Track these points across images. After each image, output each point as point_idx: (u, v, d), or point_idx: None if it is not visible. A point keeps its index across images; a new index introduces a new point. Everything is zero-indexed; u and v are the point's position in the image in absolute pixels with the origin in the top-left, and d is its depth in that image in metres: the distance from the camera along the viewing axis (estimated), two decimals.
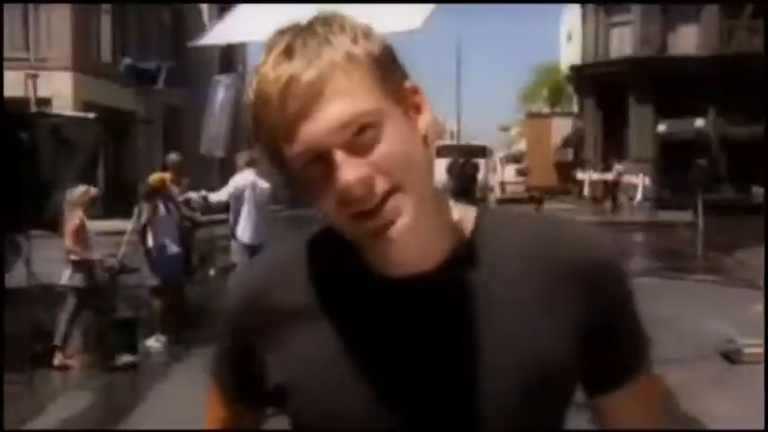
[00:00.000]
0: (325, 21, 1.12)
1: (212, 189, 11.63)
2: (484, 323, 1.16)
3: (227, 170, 11.38)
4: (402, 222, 1.09)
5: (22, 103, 20.17)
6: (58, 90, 26.95)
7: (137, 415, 7.27)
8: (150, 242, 9.80)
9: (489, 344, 1.15)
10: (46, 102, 20.92)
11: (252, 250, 10.31)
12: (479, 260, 1.19)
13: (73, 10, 29.54)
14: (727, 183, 34.11)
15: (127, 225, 13.96)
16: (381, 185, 1.08)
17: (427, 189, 1.14)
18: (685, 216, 28.20)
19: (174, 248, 9.82)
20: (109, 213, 21.57)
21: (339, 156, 1.06)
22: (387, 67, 1.12)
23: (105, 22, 33.18)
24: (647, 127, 34.93)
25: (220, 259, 12.53)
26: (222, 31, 11.15)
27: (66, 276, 8.95)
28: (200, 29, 29.76)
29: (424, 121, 1.15)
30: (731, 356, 8.53)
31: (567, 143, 46.65)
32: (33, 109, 9.57)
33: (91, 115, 10.25)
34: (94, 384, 8.31)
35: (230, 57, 37.40)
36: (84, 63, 29.80)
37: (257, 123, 1.11)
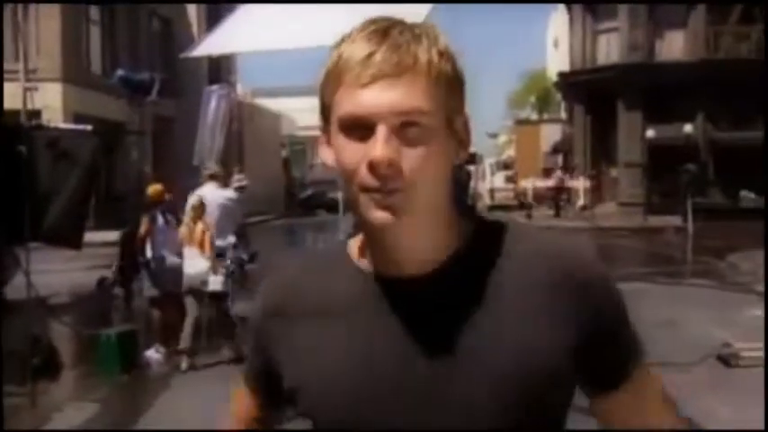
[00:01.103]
0: (425, 27, 1.24)
1: None
2: (479, 322, 1.24)
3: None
4: (407, 220, 1.19)
5: (13, 115, 20.10)
6: (48, 102, 26.88)
7: (139, 426, 7.29)
8: (149, 253, 9.84)
9: (484, 341, 1.23)
10: (36, 113, 20.81)
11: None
12: (476, 266, 1.28)
13: (62, 21, 29.50)
14: (716, 187, 34.26)
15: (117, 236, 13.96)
16: (403, 177, 1.17)
17: (438, 206, 1.25)
18: (675, 221, 28.36)
19: (172, 259, 9.84)
20: (100, 225, 21.53)
21: (382, 131, 1.17)
22: (453, 91, 1.24)
23: (94, 34, 33.12)
24: (636, 132, 35.06)
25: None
26: (213, 43, 11.19)
27: (215, 282, 9.33)
28: (190, 40, 29.80)
29: (462, 154, 1.29)
30: (727, 360, 8.60)
31: (556, 149, 46.80)
32: (25, 121, 9.56)
33: (88, 128, 10.23)
34: (96, 396, 8.32)
35: (220, 67, 37.41)
36: (73, 74, 29.73)
37: (327, 78, 1.24)
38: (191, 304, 9.28)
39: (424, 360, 1.23)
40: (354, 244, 1.37)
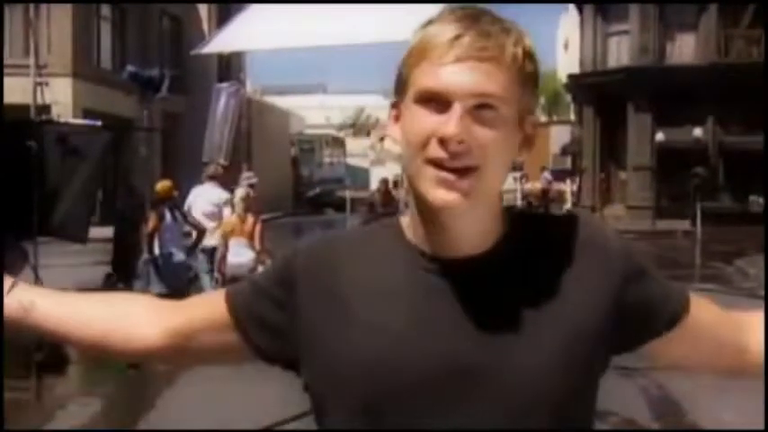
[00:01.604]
0: (512, 23, 1.30)
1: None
2: (532, 297, 1.31)
3: (227, 178, 11.63)
4: (470, 204, 1.25)
5: (22, 110, 20.11)
6: (59, 97, 26.93)
7: (144, 422, 7.30)
8: (156, 250, 9.86)
9: (533, 314, 1.29)
10: (46, 109, 20.88)
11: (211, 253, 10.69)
12: (522, 248, 1.35)
13: (73, 17, 29.54)
14: (725, 191, 34.16)
15: None
16: (471, 156, 1.23)
17: (496, 192, 1.33)
18: (683, 224, 28.29)
19: (179, 256, 9.87)
20: (106, 221, 21.56)
21: (458, 109, 1.22)
22: (528, 90, 1.30)
23: (105, 30, 33.18)
24: (646, 135, 34.96)
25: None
26: (223, 40, 11.23)
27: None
28: (200, 37, 29.81)
29: (525, 151, 1.33)
30: None
31: (565, 151, 46.73)
32: (35, 116, 9.56)
33: (98, 123, 10.28)
34: (101, 391, 8.35)
35: (229, 65, 37.44)
36: (83, 70, 29.78)
37: (410, 54, 1.29)
38: None
39: (484, 335, 1.28)
40: (404, 222, 1.40)
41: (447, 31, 1.24)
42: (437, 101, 1.23)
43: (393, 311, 1.31)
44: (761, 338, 1.46)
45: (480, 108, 1.23)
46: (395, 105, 1.35)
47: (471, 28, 1.24)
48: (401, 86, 1.31)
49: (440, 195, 1.23)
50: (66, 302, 1.51)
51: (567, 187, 37.36)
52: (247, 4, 10.37)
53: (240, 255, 9.44)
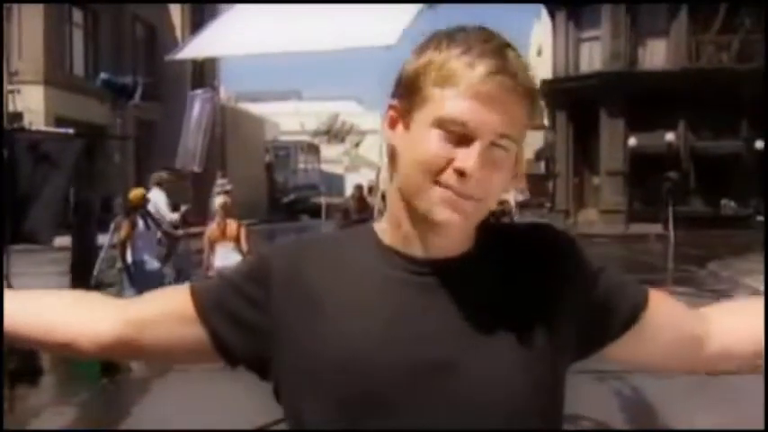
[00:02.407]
0: (522, 57, 1.30)
1: (186, 203, 11.95)
2: (502, 298, 1.34)
3: (201, 185, 11.67)
4: (466, 223, 1.29)
5: None
6: (30, 105, 26.73)
7: (120, 429, 7.27)
8: (129, 258, 9.83)
9: (509, 315, 1.32)
10: (17, 116, 20.66)
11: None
12: (492, 251, 1.38)
13: (44, 23, 29.36)
14: (697, 196, 34.42)
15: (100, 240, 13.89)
16: (482, 189, 1.26)
17: (487, 212, 1.36)
18: (656, 228, 28.47)
19: (153, 263, 9.86)
20: None
21: (480, 145, 1.24)
22: (528, 122, 1.32)
23: (77, 37, 32.97)
24: (618, 140, 35.19)
25: (194, 273, 12.53)
26: (198, 46, 11.17)
27: None
28: (173, 44, 29.70)
29: (515, 182, 1.32)
30: None
31: (538, 156, 46.93)
32: (6, 124, 9.48)
33: (70, 131, 10.21)
34: (76, 400, 8.29)
35: (203, 71, 37.32)
36: (56, 77, 29.59)
37: (431, 67, 1.28)
38: None
39: (465, 334, 1.30)
40: (379, 227, 1.42)
41: (480, 64, 1.24)
42: (456, 130, 1.25)
43: (369, 311, 1.31)
44: (720, 327, 1.49)
45: (494, 146, 1.26)
46: (394, 108, 1.34)
47: (503, 66, 1.25)
48: (410, 95, 1.30)
49: (444, 215, 1.27)
50: (18, 300, 1.46)
51: (511, 197, 37.50)
52: (222, 4, 10.38)
53: (227, 258, 9.58)
